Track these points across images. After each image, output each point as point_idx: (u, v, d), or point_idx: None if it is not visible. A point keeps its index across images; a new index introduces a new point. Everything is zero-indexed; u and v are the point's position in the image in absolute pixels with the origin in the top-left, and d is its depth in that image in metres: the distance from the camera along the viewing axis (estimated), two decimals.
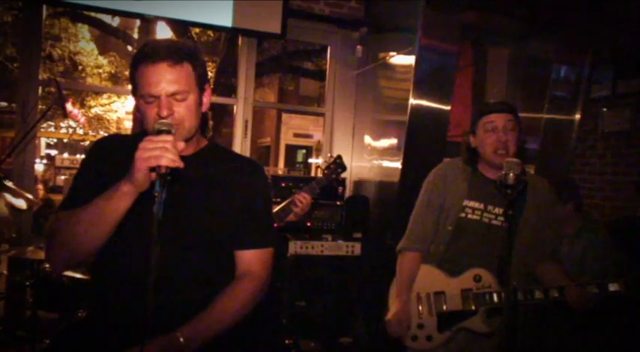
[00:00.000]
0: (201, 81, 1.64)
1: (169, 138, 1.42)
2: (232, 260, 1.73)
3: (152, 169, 1.39)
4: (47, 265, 3.41)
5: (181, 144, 1.46)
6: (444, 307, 2.44)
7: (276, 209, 3.12)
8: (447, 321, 2.43)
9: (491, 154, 2.42)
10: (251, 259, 1.73)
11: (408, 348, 2.53)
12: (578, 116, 5.06)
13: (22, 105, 4.50)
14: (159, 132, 1.45)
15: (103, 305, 1.65)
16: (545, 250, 2.49)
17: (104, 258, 1.60)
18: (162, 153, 1.37)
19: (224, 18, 4.68)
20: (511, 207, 1.99)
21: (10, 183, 3.63)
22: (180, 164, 1.40)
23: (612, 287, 2.24)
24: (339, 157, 3.32)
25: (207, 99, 1.69)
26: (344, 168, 3.31)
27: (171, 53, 1.56)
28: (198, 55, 1.65)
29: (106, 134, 17.64)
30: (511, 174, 1.98)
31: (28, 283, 3.76)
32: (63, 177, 13.95)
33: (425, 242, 2.56)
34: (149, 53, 1.56)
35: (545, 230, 2.49)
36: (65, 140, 16.74)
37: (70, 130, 14.93)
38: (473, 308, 2.40)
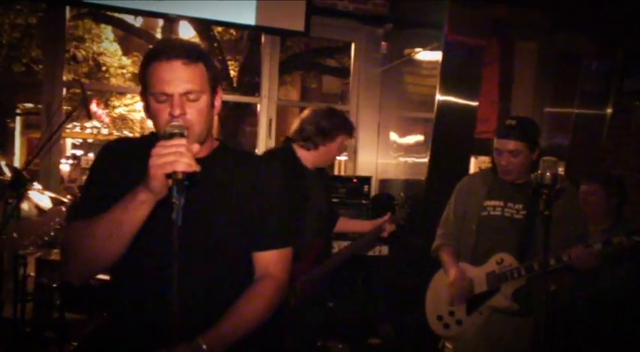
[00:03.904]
0: (213, 82, 1.60)
1: (183, 141, 1.36)
2: (250, 262, 1.70)
3: (168, 175, 1.34)
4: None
5: (196, 146, 1.40)
6: (473, 292, 2.69)
7: (364, 238, 3.26)
8: (475, 304, 2.69)
9: (499, 171, 2.70)
10: (269, 260, 1.69)
11: (442, 338, 2.88)
12: (610, 110, 4.93)
13: (47, 106, 4.53)
14: (171, 136, 1.38)
15: (123, 311, 1.64)
16: (567, 240, 2.57)
17: (122, 264, 1.56)
18: (177, 158, 1.32)
19: (248, 16, 4.64)
20: (548, 206, 2.01)
21: (36, 185, 3.64)
22: (196, 168, 1.34)
23: (615, 239, 2.36)
24: (409, 197, 3.31)
25: (219, 102, 1.65)
26: (410, 207, 3.28)
27: (186, 51, 1.52)
28: (210, 56, 1.62)
29: (129, 134, 17.82)
30: (548, 174, 2.00)
31: (55, 285, 3.78)
32: None
33: (455, 239, 2.84)
34: (163, 50, 1.53)
35: (568, 225, 2.60)
36: (90, 140, 16.92)
37: (95, 131, 15.09)
38: (496, 286, 2.63)
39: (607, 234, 3.27)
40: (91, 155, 17.34)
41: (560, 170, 4.77)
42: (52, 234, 3.20)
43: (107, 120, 13.59)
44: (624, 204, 3.45)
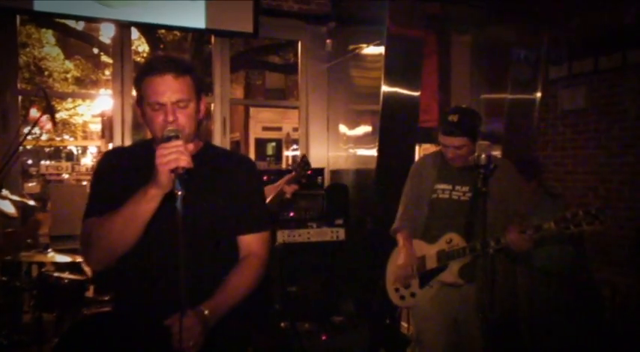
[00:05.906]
0: (198, 91, 1.87)
1: (180, 142, 1.65)
2: (235, 243, 1.98)
3: (171, 171, 1.61)
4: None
5: (190, 146, 1.73)
6: (425, 267, 2.99)
7: (268, 201, 3.38)
8: (426, 278, 3.00)
9: (448, 160, 2.95)
10: (252, 242, 1.99)
11: (399, 307, 3.38)
12: (539, 94, 5.36)
13: (3, 114, 4.60)
14: (168, 139, 1.67)
15: (134, 290, 1.89)
16: (510, 216, 2.86)
17: (131, 251, 1.81)
18: (179, 155, 1.61)
19: (197, 20, 4.82)
20: (484, 183, 2.40)
21: (5, 192, 3.73)
22: (192, 164, 1.64)
23: (545, 225, 2.59)
24: (304, 156, 3.63)
25: (204, 106, 1.93)
26: (309, 166, 3.59)
27: (175, 66, 1.80)
28: (195, 68, 1.90)
29: (71, 139, 17.42)
30: (483, 155, 2.38)
31: (28, 287, 3.88)
32: (31, 184, 13.80)
33: (410, 221, 3.11)
34: (156, 66, 1.80)
35: (509, 200, 2.90)
36: (29, 147, 16.55)
37: (34, 136, 14.77)
38: (445, 263, 2.91)
39: (538, 209, 3.70)
40: (30, 162, 16.97)
41: (498, 153, 5.21)
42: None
43: (49, 126, 13.36)
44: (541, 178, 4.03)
